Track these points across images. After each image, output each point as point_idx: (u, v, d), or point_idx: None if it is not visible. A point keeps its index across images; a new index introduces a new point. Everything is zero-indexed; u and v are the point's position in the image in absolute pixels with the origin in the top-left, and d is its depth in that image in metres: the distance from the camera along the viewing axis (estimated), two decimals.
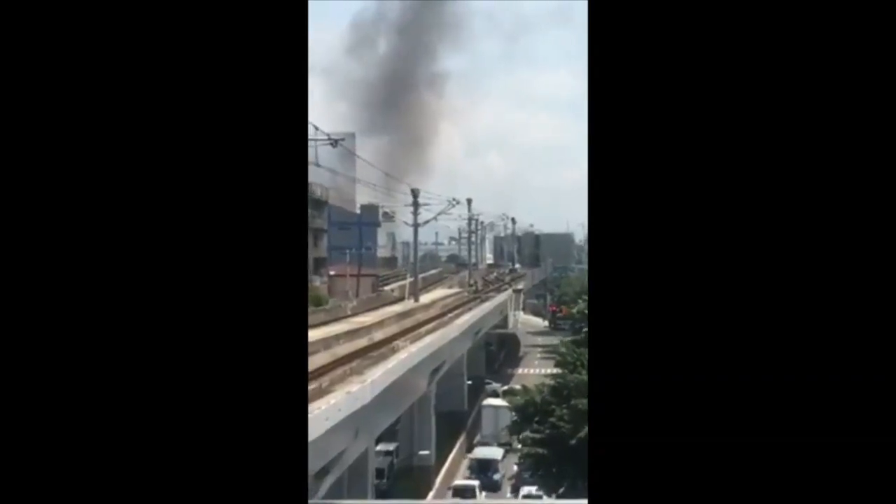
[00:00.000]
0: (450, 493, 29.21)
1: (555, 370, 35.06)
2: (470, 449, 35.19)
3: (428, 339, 28.84)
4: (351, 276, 52.83)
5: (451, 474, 31.47)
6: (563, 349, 38.71)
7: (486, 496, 29.06)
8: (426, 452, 33.15)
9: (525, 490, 27.85)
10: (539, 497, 26.54)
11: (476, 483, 29.67)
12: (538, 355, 54.54)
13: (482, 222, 75.04)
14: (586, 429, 25.35)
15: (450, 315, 37.16)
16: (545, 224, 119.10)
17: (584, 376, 28.02)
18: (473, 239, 68.31)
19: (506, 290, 60.84)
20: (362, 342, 25.17)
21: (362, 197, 74.14)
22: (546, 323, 71.91)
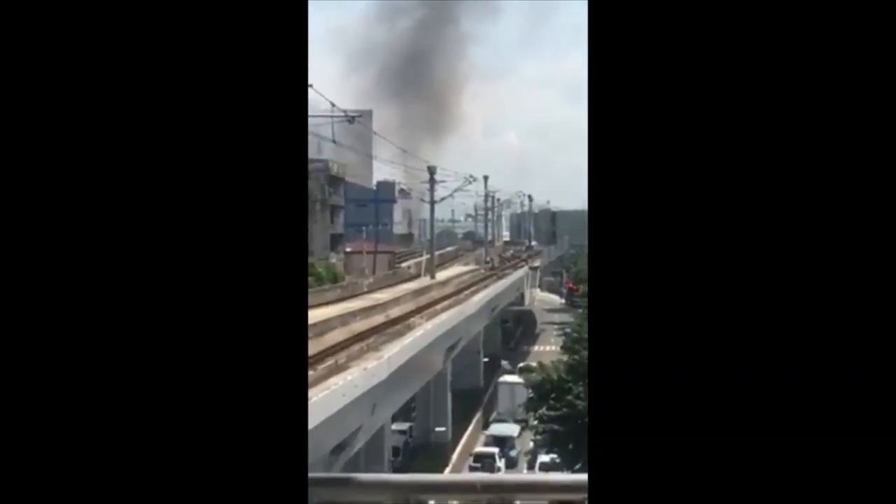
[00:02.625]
0: (470, 458, 29.38)
1: (570, 347, 34.99)
2: (486, 426, 35.27)
3: (444, 316, 28.84)
4: (367, 252, 52.83)
5: (468, 450, 31.58)
6: (578, 326, 38.65)
7: (504, 471, 29.18)
8: (442, 429, 33.27)
9: (542, 458, 27.91)
10: (556, 464, 26.57)
11: (496, 450, 29.83)
12: (555, 332, 54.48)
13: (499, 199, 74.80)
14: None
15: (466, 292, 37.11)
16: (562, 201, 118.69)
17: None
18: (490, 216, 68.10)
19: (522, 266, 60.69)
20: (379, 319, 25.22)
21: (380, 174, 74.15)
22: (563, 300, 71.71)
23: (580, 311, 51.96)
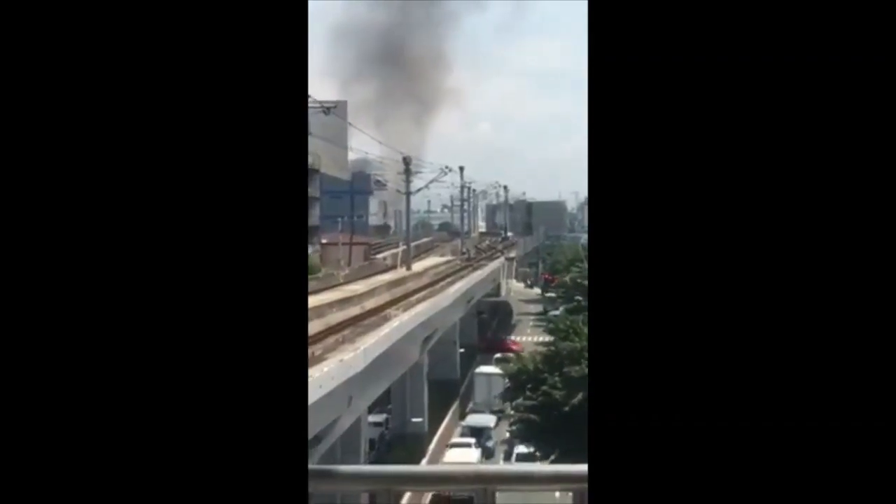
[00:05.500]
0: (447, 449, 29.55)
1: (547, 338, 35.20)
2: (462, 416, 35.39)
3: (420, 308, 28.91)
4: (343, 244, 52.80)
5: (444, 441, 31.68)
6: (555, 313, 38.88)
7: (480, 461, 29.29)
8: (419, 420, 33.36)
9: (519, 449, 28.05)
10: (533, 455, 26.70)
11: (472, 440, 30.01)
12: (531, 323, 54.71)
13: (474, 190, 75.05)
14: (578, 396, 25.66)
15: (442, 283, 37.20)
16: (537, 192, 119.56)
17: (577, 344, 28.16)
18: (466, 207, 68.30)
19: (498, 257, 60.92)
20: (354, 310, 25.23)
21: (355, 165, 74.08)
22: (538, 291, 72.02)
23: (555, 299, 52.34)
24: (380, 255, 54.59)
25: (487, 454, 30.27)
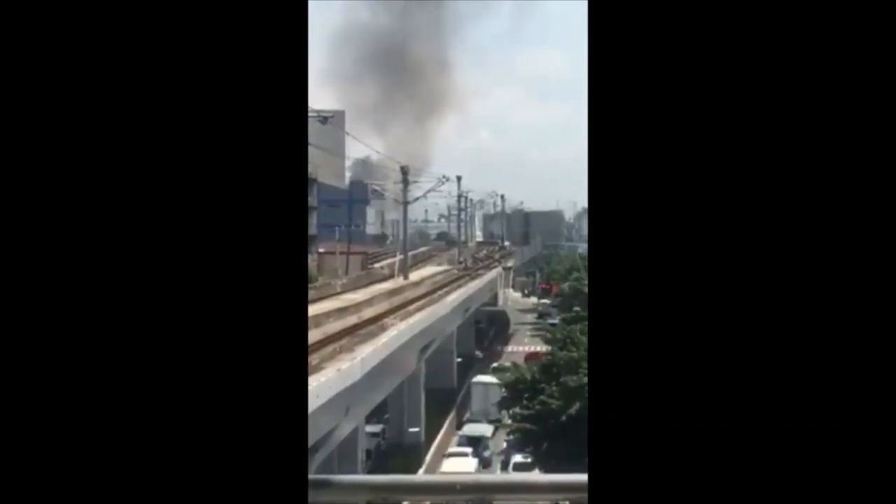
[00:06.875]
0: (444, 459, 29.51)
1: (544, 348, 35.21)
2: (459, 426, 35.34)
3: (418, 317, 28.92)
4: (340, 253, 52.82)
5: (442, 451, 31.63)
6: (552, 322, 38.89)
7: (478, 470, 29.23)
8: (416, 429, 33.32)
9: (516, 458, 28.03)
10: (530, 464, 26.66)
11: (469, 450, 29.99)
12: (528, 333, 54.71)
13: (472, 199, 75.13)
14: (576, 405, 25.68)
15: (439, 292, 37.20)
16: (535, 201, 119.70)
17: (574, 353, 28.17)
18: (463, 216, 68.31)
19: (495, 267, 60.96)
20: (352, 319, 25.22)
21: (353, 173, 74.27)
22: (536, 300, 72.01)
23: (552, 307, 52.33)
24: (377, 265, 54.57)
25: (485, 464, 30.21)
